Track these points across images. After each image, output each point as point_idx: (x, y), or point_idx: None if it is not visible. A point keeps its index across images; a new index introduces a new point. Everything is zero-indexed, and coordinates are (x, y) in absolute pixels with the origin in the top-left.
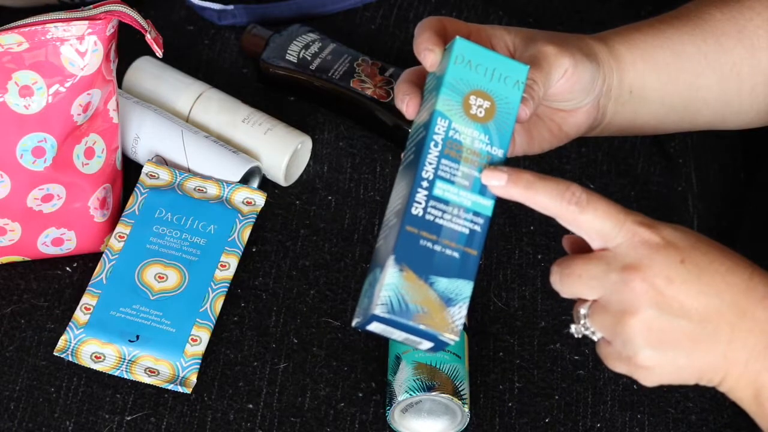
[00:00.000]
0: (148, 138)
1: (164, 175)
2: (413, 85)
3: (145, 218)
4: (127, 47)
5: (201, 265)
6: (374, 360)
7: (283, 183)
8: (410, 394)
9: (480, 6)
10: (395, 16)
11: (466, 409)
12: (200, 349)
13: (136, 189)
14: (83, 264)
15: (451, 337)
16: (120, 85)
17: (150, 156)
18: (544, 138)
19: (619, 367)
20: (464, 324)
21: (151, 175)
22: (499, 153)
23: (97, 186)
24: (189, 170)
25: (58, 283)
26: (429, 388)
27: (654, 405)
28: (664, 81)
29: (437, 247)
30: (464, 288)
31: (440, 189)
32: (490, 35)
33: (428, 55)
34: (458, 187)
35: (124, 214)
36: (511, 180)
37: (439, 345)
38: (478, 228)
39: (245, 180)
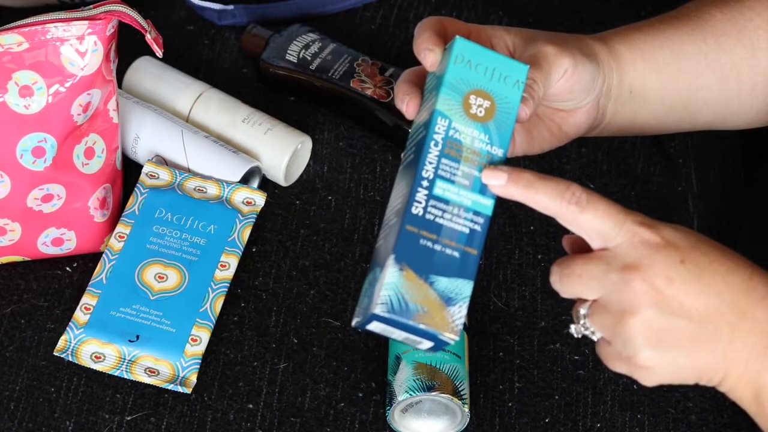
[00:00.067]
0: (148, 138)
1: (164, 175)
2: (413, 85)
3: (145, 218)
4: (127, 47)
5: (201, 265)
6: (374, 360)
7: (283, 183)
8: (410, 394)
9: (480, 6)
10: (395, 16)
11: (466, 409)
12: (200, 349)
13: (136, 189)
14: (83, 264)
15: (451, 337)
16: (120, 85)
17: (150, 156)
18: (544, 138)
19: (619, 367)
20: (464, 324)
21: (151, 175)
22: (499, 152)
23: (97, 186)
24: (189, 170)
25: (58, 283)
26: (429, 388)
27: (654, 405)
28: (664, 81)
29: (437, 247)
30: (464, 287)
31: (440, 188)
32: (490, 35)
33: (428, 54)
34: (458, 186)
35: (124, 214)
36: (511, 179)
37: (439, 344)
38: (478, 227)
39: (245, 180)
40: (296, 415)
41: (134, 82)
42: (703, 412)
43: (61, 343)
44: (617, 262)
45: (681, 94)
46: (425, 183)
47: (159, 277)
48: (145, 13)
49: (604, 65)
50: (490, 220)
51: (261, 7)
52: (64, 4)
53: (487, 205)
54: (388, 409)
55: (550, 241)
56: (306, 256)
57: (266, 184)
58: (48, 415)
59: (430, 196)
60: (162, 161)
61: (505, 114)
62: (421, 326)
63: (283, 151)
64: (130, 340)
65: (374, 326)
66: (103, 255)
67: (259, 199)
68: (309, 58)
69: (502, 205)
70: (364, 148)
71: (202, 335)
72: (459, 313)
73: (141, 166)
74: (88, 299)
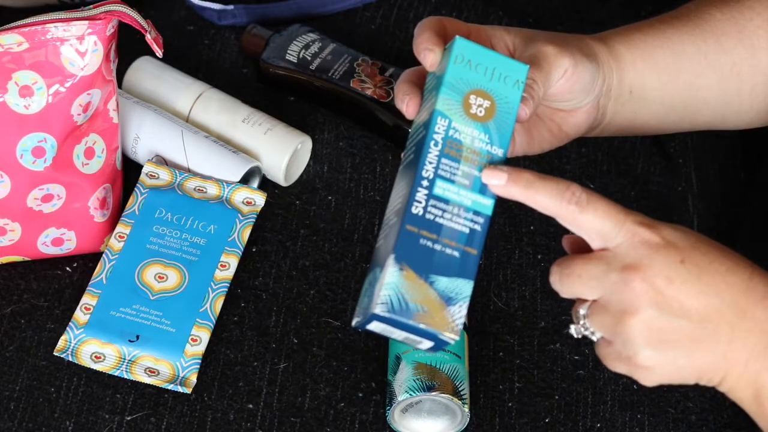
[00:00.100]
0: (148, 138)
1: (164, 175)
2: (413, 85)
3: (145, 218)
4: (127, 47)
5: (201, 265)
6: (374, 360)
7: (283, 183)
8: (410, 394)
9: (480, 6)
10: (395, 16)
11: (466, 409)
12: (200, 349)
13: (136, 189)
14: (83, 264)
15: (451, 336)
16: (120, 85)
17: (150, 156)
18: (544, 138)
19: (619, 367)
20: (464, 324)
21: (151, 175)
22: (499, 152)
23: (97, 186)
24: (189, 170)
25: (58, 283)
26: (429, 388)
27: (654, 405)
28: (664, 81)
29: (437, 246)
30: (464, 287)
31: (440, 188)
32: (490, 35)
33: (428, 54)
34: (458, 186)
35: (124, 214)
36: (511, 179)
37: (439, 344)
38: (478, 227)
39: (245, 180)
40: (296, 415)
41: (134, 82)
42: (703, 412)
43: (61, 343)
44: (617, 262)
45: (681, 94)
46: (425, 183)
47: (159, 277)
48: (145, 13)
49: (604, 65)
50: (490, 220)
51: (261, 7)
52: (64, 4)
53: (487, 204)
54: (388, 409)
55: (550, 241)
56: (306, 256)
57: (266, 184)
58: (48, 415)
59: (430, 195)
60: (162, 161)
61: (505, 114)
62: (421, 326)
63: (283, 151)
64: (130, 340)
65: (374, 326)
66: (103, 255)
67: (259, 199)
68: (309, 58)
69: (502, 205)
70: (364, 148)
71: (202, 335)
72: (459, 312)
73: (141, 166)
74: (88, 299)
